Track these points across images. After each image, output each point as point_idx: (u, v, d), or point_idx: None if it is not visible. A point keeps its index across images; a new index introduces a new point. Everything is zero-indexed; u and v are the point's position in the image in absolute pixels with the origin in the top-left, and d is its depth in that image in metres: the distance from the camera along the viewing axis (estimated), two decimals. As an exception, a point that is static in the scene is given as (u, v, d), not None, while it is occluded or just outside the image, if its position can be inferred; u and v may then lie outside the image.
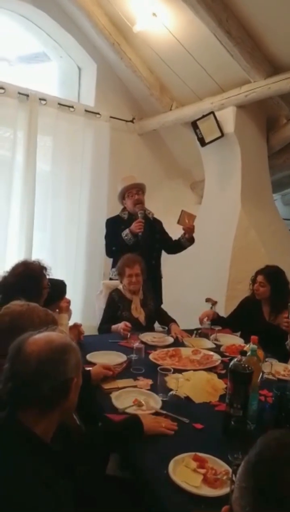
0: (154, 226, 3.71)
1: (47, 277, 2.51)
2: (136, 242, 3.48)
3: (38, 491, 0.99)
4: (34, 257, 2.58)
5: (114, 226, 3.66)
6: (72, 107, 4.48)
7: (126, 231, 3.49)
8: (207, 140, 4.08)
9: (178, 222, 3.61)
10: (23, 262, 2.51)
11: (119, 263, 3.23)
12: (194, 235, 3.55)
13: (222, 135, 3.99)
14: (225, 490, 1.31)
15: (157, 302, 3.39)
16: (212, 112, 3.98)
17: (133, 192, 3.65)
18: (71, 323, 2.78)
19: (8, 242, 4.17)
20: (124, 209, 3.75)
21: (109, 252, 3.71)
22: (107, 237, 3.71)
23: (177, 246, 3.72)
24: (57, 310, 2.65)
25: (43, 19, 4.39)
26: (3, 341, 1.30)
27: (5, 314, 1.57)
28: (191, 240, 3.66)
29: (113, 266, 3.72)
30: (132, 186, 3.66)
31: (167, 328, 2.87)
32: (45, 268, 2.49)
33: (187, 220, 3.58)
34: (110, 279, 3.70)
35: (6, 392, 1.13)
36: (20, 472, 1.01)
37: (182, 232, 3.60)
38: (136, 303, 3.15)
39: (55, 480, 1.07)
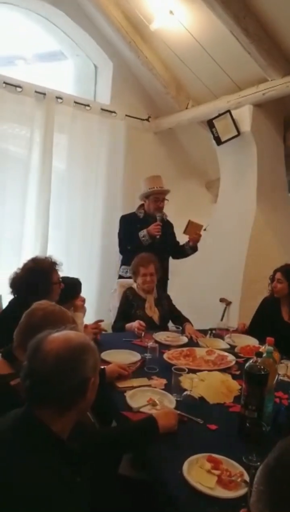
0: (167, 228, 3.70)
1: (59, 272, 2.52)
2: (152, 243, 3.48)
3: (55, 487, 1.00)
4: (59, 260, 2.60)
5: (129, 224, 3.65)
6: (88, 105, 4.50)
7: (144, 232, 3.48)
8: (223, 139, 4.05)
9: (184, 232, 3.59)
10: (32, 258, 2.55)
11: (134, 262, 3.23)
12: (209, 234, 3.53)
13: (238, 134, 3.96)
14: (240, 492, 1.31)
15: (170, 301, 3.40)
16: (229, 111, 3.95)
17: (160, 198, 3.62)
18: (86, 321, 2.79)
19: (23, 240, 4.20)
20: (141, 206, 3.73)
21: (123, 250, 3.70)
22: (121, 234, 3.70)
23: (181, 252, 3.74)
24: (72, 308, 2.66)
25: (61, 18, 4.41)
26: (34, 334, 1.31)
27: (38, 309, 1.61)
28: (195, 249, 3.66)
29: (123, 263, 3.72)
30: (162, 192, 3.63)
31: (181, 327, 2.86)
32: (55, 264, 2.51)
33: (194, 230, 3.56)
34: (120, 276, 3.71)
35: (24, 389, 1.14)
36: (37, 468, 1.02)
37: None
38: (150, 302, 3.16)
39: (72, 478, 1.08)
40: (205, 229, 3.73)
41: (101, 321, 2.75)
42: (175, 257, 3.81)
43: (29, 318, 1.60)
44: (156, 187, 3.61)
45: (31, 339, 1.25)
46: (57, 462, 1.06)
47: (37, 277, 2.38)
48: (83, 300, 2.76)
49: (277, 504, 0.68)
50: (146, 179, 3.69)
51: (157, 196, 3.61)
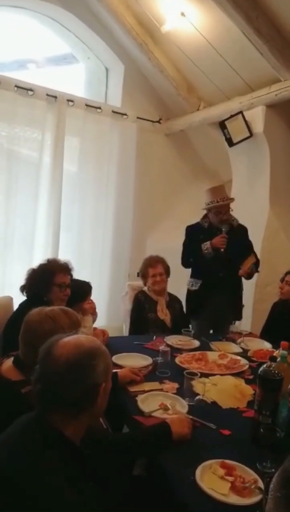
0: (237, 235, 3.37)
1: (69, 276, 2.53)
2: (216, 256, 3.24)
3: (67, 491, 0.99)
4: (61, 257, 2.62)
5: (193, 234, 3.42)
6: (100, 108, 4.50)
7: (207, 244, 3.24)
8: (235, 141, 4.03)
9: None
10: (49, 258, 2.57)
11: (142, 265, 3.22)
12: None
13: (251, 135, 3.93)
14: (254, 499, 1.29)
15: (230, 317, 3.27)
16: (241, 112, 3.92)
17: (222, 211, 3.31)
18: (97, 325, 2.78)
19: (35, 242, 4.21)
20: (206, 216, 3.44)
21: (185, 262, 3.44)
22: (184, 245, 3.44)
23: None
24: (80, 312, 2.67)
25: (72, 21, 4.42)
26: (33, 340, 1.45)
27: (33, 314, 1.62)
28: (249, 277, 3.36)
29: (192, 275, 3.47)
30: (223, 206, 3.31)
31: (192, 331, 2.83)
32: (65, 267, 2.51)
33: (245, 264, 3.24)
34: (188, 290, 3.46)
35: (35, 393, 1.14)
36: (50, 472, 1.01)
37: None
38: (161, 305, 3.14)
39: (85, 482, 1.07)
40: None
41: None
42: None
43: (26, 324, 1.61)
44: (216, 201, 3.29)
45: (32, 345, 1.38)
46: (68, 465, 1.05)
47: (39, 275, 2.41)
48: (93, 304, 2.75)
49: None
50: (207, 191, 3.39)
51: (218, 210, 3.31)
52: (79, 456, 1.12)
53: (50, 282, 2.44)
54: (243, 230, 3.44)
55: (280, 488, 0.69)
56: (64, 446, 1.09)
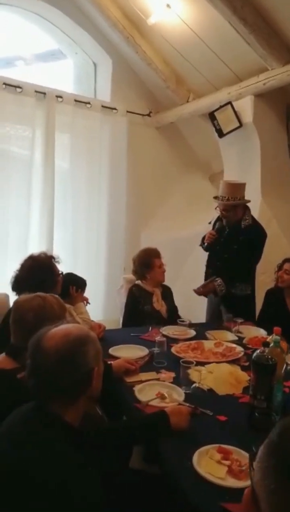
0: (236, 234, 3.24)
1: (57, 265, 2.56)
2: (208, 248, 3.40)
3: (72, 473, 1.02)
4: (55, 254, 2.62)
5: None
6: (89, 103, 4.49)
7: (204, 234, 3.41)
8: (225, 131, 4.03)
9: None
10: (29, 256, 2.57)
11: (143, 255, 3.20)
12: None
13: (241, 125, 3.93)
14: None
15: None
16: (230, 102, 3.93)
17: (221, 209, 3.26)
18: (94, 319, 2.81)
19: (29, 240, 4.21)
20: None
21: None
22: None
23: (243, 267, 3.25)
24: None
25: (57, 17, 4.40)
26: (24, 326, 1.54)
27: (19, 302, 1.67)
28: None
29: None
30: (220, 204, 3.25)
31: (187, 321, 2.85)
32: (52, 257, 2.53)
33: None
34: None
35: (30, 387, 1.16)
36: (53, 455, 1.03)
37: None
38: (157, 295, 3.15)
39: (85, 466, 1.09)
40: (209, 222, 3.70)
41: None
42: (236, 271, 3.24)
43: (14, 305, 1.68)
44: (219, 198, 3.23)
45: (20, 321, 1.54)
46: (71, 449, 1.08)
47: (43, 273, 2.41)
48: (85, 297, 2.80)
49: (283, 476, 0.66)
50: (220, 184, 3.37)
51: (219, 206, 3.28)
52: (79, 440, 1.15)
53: (54, 275, 2.47)
54: (251, 233, 3.24)
55: (269, 458, 0.69)
56: (64, 430, 1.12)
